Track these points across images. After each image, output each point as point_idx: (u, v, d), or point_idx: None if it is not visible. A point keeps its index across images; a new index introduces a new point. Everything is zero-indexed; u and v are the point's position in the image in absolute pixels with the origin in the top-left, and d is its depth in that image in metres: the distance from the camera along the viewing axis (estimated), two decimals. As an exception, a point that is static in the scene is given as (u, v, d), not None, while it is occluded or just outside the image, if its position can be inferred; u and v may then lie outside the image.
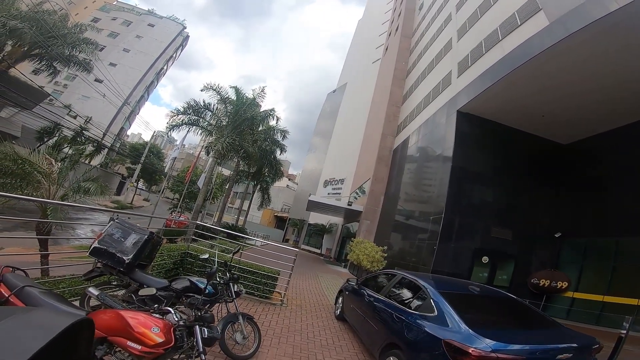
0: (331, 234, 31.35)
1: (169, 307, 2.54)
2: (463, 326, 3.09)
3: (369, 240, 15.75)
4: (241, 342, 3.89)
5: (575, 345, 3.12)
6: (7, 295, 2.11)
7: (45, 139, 20.32)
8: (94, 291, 2.61)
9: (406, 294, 4.42)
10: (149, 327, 2.04)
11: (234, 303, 4.07)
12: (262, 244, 18.55)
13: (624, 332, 4.33)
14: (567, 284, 10.10)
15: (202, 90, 16.30)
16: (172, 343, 2.11)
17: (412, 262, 12.20)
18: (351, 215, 23.05)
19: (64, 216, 7.29)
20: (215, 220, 23.66)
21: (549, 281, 10.38)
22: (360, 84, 34.68)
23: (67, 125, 22.21)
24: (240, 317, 3.94)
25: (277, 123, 21.11)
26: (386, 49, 29.17)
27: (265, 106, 19.28)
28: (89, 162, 26.51)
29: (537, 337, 3.31)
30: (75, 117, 22.71)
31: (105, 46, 41.88)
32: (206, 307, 3.86)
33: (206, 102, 16.62)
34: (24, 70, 21.16)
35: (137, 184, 42.46)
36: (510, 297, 4.35)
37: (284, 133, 22.54)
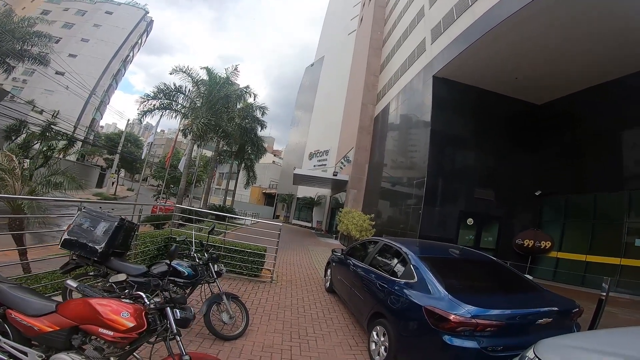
0: (320, 206, 31.60)
1: (149, 292, 2.51)
2: (443, 292, 3.09)
3: (356, 210, 15.95)
4: (228, 322, 3.91)
5: (555, 309, 3.14)
6: None
7: (14, 137, 19.33)
8: (72, 283, 2.55)
9: (388, 261, 4.45)
10: (119, 313, 2.02)
11: (216, 283, 4.05)
12: (252, 222, 18.58)
13: (604, 294, 4.31)
14: (550, 243, 10.39)
15: (171, 74, 15.76)
16: (145, 327, 2.08)
17: (400, 228, 12.43)
18: (338, 185, 23.18)
19: (39, 211, 7.04)
20: (202, 202, 23.46)
21: (532, 241, 10.62)
22: (337, 56, 33.96)
23: (33, 121, 21.14)
24: (224, 297, 3.93)
25: (254, 100, 20.77)
26: (361, 20, 28.22)
27: (242, 84, 18.99)
28: (64, 156, 25.50)
29: (518, 301, 3.32)
30: (41, 112, 21.62)
31: (60, 38, 39.98)
32: (188, 290, 3.84)
33: (177, 84, 16.07)
34: (-25, 70, 19.80)
35: (118, 174, 41.32)
36: (491, 260, 4.39)
37: (262, 109, 22.19)
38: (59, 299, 3.33)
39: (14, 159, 6.58)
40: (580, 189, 10.34)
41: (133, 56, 54.04)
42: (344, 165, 22.78)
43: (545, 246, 10.45)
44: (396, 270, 3.99)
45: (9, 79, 27.30)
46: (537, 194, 11.40)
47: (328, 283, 6.65)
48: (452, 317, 2.80)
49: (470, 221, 11.23)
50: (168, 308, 2.29)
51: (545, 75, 10.09)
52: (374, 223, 13.62)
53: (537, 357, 2.20)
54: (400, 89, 15.73)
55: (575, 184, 10.47)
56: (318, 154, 31.60)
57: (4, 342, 1.12)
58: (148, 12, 51.88)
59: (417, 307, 3.14)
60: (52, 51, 21.93)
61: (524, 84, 10.80)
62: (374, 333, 3.72)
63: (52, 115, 20.08)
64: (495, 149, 11.77)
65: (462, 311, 2.82)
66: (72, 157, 30.67)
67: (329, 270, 6.81)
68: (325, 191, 29.45)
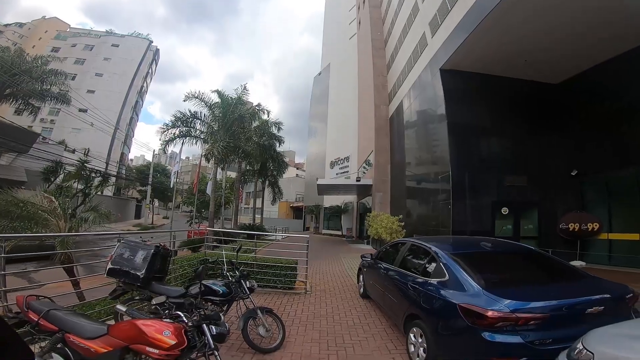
0: (348, 213, 31.44)
1: (187, 312, 2.73)
2: (477, 288, 2.99)
3: (384, 212, 15.77)
4: (265, 335, 3.99)
5: (607, 296, 2.90)
6: (36, 320, 2.37)
7: (52, 179, 20.53)
8: (121, 307, 2.77)
9: (418, 261, 4.35)
10: (161, 332, 2.17)
11: (250, 299, 4.20)
12: (283, 237, 18.74)
13: None
14: (598, 225, 9.62)
15: (184, 101, 16.36)
16: (185, 344, 2.22)
17: (432, 226, 12.12)
18: (363, 190, 23.05)
19: (85, 245, 7.55)
20: (233, 223, 23.99)
21: (578, 224, 9.92)
22: (342, 62, 34.25)
23: (68, 161, 22.25)
24: (259, 311, 4.04)
25: (268, 116, 21.18)
26: (359, 23, 28.40)
27: (255, 101, 19.55)
28: (101, 193, 26.79)
29: (563, 290, 3.12)
30: (73, 152, 22.80)
31: (75, 74, 40.84)
32: (225, 307, 4.00)
33: (192, 111, 16.65)
34: (4, 114, 20.73)
35: (152, 204, 43.24)
36: (529, 250, 4.20)
37: (277, 125, 22.56)
38: (111, 322, 3.57)
39: (53, 199, 7.07)
40: (622, 164, 9.50)
41: (147, 86, 55.26)
42: (367, 170, 22.66)
43: (593, 228, 9.64)
44: (427, 270, 3.89)
45: (37, 121, 27.95)
46: (573, 174, 10.73)
47: (362, 289, 6.60)
48: (489, 313, 2.70)
49: (505, 210, 10.77)
50: (204, 325, 2.45)
51: (554, 53, 9.64)
52: (403, 224, 13.39)
53: (586, 348, 2.08)
54: (410, 85, 15.66)
55: (615, 160, 9.68)
56: (339, 162, 31.59)
57: None
58: (152, 42, 52.90)
59: (451, 305, 3.04)
60: (70, 89, 22.41)
61: (535, 66, 10.42)
62: (411, 335, 3.65)
63: (84, 154, 20.92)
64: (520, 133, 11.32)
65: (500, 306, 2.71)
66: (109, 192, 32.25)
67: (361, 276, 6.78)
68: (352, 198, 29.33)
